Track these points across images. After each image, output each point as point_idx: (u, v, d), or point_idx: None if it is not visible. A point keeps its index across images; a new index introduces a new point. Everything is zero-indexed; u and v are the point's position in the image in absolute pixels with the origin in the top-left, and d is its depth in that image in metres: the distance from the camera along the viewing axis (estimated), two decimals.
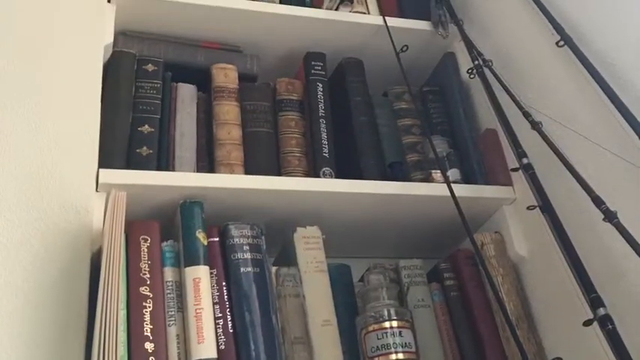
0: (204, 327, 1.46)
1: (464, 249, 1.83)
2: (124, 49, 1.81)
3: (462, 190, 1.76)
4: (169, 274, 1.51)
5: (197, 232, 1.54)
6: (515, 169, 1.74)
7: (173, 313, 1.47)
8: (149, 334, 1.42)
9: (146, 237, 1.51)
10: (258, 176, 1.71)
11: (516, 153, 1.72)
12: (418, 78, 2.13)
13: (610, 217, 1.39)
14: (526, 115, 1.69)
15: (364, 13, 2.06)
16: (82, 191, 1.51)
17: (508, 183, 1.85)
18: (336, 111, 1.91)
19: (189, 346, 1.44)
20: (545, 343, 1.71)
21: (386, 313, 1.60)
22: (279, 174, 1.80)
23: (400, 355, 1.56)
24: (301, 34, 2.02)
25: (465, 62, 2.05)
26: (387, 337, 1.57)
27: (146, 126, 1.70)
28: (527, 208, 1.67)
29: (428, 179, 1.87)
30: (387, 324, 1.58)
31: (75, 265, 1.42)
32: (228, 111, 1.80)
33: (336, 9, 2.03)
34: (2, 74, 1.55)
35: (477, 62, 1.90)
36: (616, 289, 1.48)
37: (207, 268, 1.52)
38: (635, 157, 1.47)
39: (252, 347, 1.49)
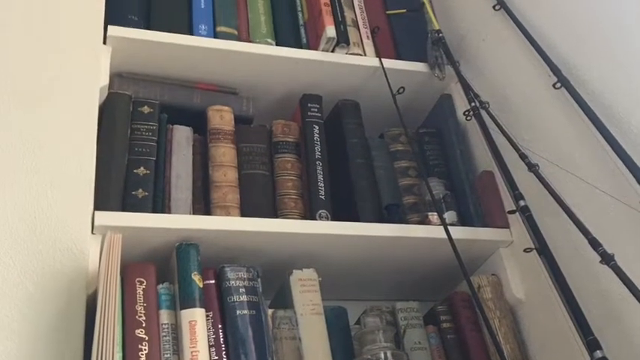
0: None
1: (461, 291, 1.84)
2: (120, 90, 1.82)
3: (458, 232, 1.78)
4: (165, 316, 1.51)
5: (193, 274, 1.55)
6: (512, 212, 1.77)
7: (169, 355, 1.47)
8: None
9: (142, 279, 1.52)
10: (254, 219, 1.72)
11: (513, 195, 1.74)
12: (415, 120, 2.15)
13: (607, 259, 1.41)
14: (523, 157, 1.70)
15: (360, 55, 2.07)
16: (77, 233, 1.51)
17: (505, 225, 1.86)
18: (332, 153, 1.93)
19: None
20: None
21: (382, 355, 1.61)
22: (275, 216, 1.81)
23: None
24: (297, 76, 2.04)
25: (461, 104, 2.07)
26: None
27: (142, 168, 1.71)
28: (524, 250, 1.70)
29: (424, 221, 1.88)
30: None
31: (70, 307, 1.43)
32: (224, 153, 1.82)
33: (333, 51, 2.04)
34: None
35: (473, 104, 1.92)
36: (613, 331, 1.50)
37: (203, 310, 1.52)
38: (633, 199, 1.48)
39: None
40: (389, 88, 1.99)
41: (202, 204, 1.77)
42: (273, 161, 1.89)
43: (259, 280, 1.63)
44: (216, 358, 1.51)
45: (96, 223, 1.55)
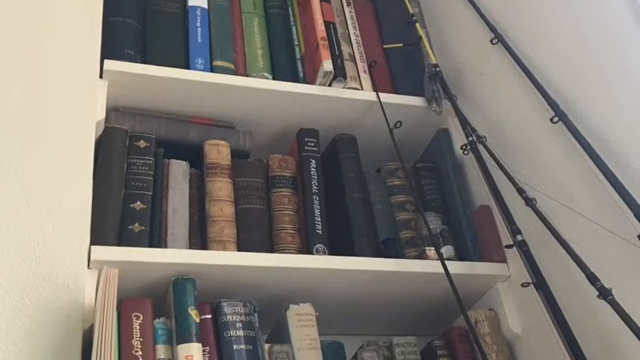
0: None
1: (458, 326, 1.84)
2: (116, 125, 1.83)
3: (455, 267, 1.80)
4: (162, 351, 1.52)
5: (189, 309, 1.56)
6: (509, 246, 1.78)
7: None
8: None
9: (138, 314, 1.53)
10: (251, 253, 1.73)
11: (510, 230, 1.75)
12: (412, 154, 2.17)
13: (605, 294, 1.42)
14: (520, 191, 1.71)
15: (358, 89, 2.08)
16: (73, 268, 1.52)
17: (502, 260, 1.87)
18: (329, 187, 1.94)
19: None
20: None
21: None
22: (272, 251, 1.82)
23: None
24: (294, 110, 2.05)
25: (458, 138, 2.09)
26: None
27: (138, 202, 1.73)
28: (522, 285, 1.70)
29: (422, 256, 1.88)
30: None
31: (67, 342, 1.44)
32: (220, 187, 1.83)
33: (330, 85, 2.05)
34: None
35: (470, 138, 1.92)
36: None
37: (199, 345, 1.53)
38: (631, 233, 1.49)
39: None
40: (386, 123, 2.00)
41: (199, 238, 1.78)
42: (270, 196, 1.90)
43: (256, 314, 1.65)
44: None
45: (92, 258, 1.56)
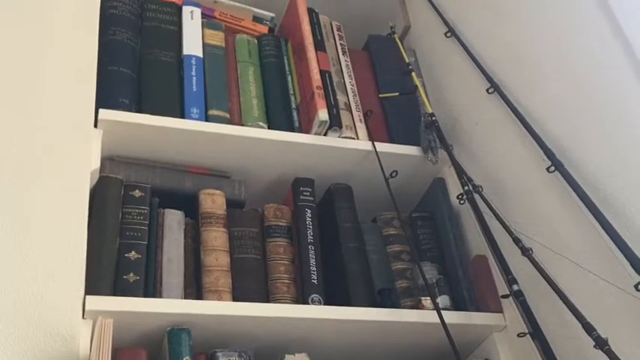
0: None
1: None
2: (111, 174, 1.84)
3: (452, 317, 1.80)
4: None
5: (185, 359, 1.57)
6: (505, 296, 1.80)
7: None
8: None
9: None
10: (246, 303, 1.74)
11: (507, 280, 1.77)
12: (407, 203, 2.19)
13: (601, 344, 1.43)
14: (516, 241, 1.72)
15: (353, 139, 2.10)
16: (68, 318, 1.53)
17: (498, 310, 1.88)
18: (324, 237, 1.96)
19: None
20: None
21: None
22: (267, 300, 1.83)
23: None
24: (290, 160, 2.06)
25: (454, 188, 2.10)
26: None
27: (133, 252, 1.74)
28: (518, 335, 1.72)
29: (418, 306, 1.89)
30: None
31: None
32: (216, 237, 1.84)
33: (325, 134, 2.06)
34: None
35: (466, 188, 1.94)
36: None
37: None
38: (627, 283, 1.49)
39: None
40: (382, 172, 2.02)
41: (194, 288, 1.79)
42: (265, 245, 1.92)
43: None
44: None
45: (87, 308, 1.56)
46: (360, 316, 1.80)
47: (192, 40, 2.13)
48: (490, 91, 2.04)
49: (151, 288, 1.73)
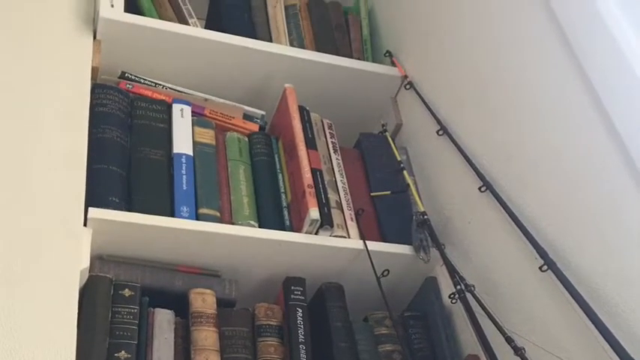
0: None
1: None
2: (101, 273, 1.86)
3: None
4: None
5: None
6: None
7: None
8: None
9: None
10: None
11: None
12: (399, 302, 2.20)
13: None
14: (509, 340, 1.74)
15: (344, 237, 2.12)
16: None
17: None
18: (316, 336, 1.97)
19: None
20: None
21: None
22: None
23: None
24: (281, 258, 2.09)
25: (446, 287, 2.12)
26: None
27: (123, 352, 1.76)
28: None
29: None
30: None
31: None
32: (206, 337, 1.87)
33: (316, 233, 2.09)
34: None
35: (459, 287, 1.95)
36: None
37: None
38: None
39: None
40: (373, 271, 2.05)
41: None
42: (255, 345, 1.94)
43: None
44: None
45: None
46: None
47: (183, 138, 2.16)
48: (482, 189, 2.06)
49: None
